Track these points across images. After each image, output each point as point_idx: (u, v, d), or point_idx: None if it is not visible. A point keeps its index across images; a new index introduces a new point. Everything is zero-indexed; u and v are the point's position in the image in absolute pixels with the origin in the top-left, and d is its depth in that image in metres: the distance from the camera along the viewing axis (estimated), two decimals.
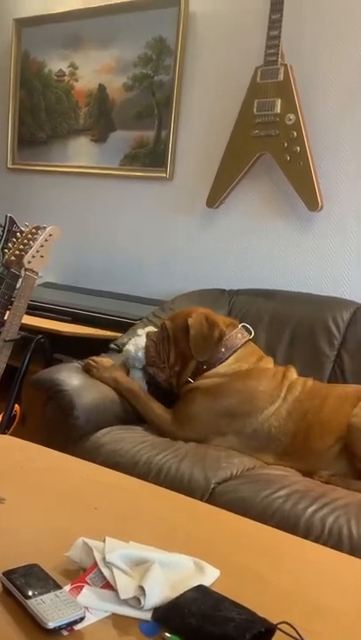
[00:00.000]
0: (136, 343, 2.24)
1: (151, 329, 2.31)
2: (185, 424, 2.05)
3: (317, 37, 2.49)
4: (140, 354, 2.21)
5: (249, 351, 2.16)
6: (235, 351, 2.13)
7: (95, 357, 2.23)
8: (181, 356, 2.16)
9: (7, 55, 3.39)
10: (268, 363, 2.17)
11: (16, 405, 2.36)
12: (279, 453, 1.97)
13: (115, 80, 3.04)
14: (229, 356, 2.12)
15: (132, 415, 2.15)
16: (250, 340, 2.20)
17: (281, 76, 2.44)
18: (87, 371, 2.19)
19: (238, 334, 2.16)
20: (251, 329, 2.23)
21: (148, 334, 2.24)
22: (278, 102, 2.45)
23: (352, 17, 2.41)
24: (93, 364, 2.19)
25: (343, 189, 2.48)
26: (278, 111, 2.45)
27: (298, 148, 2.43)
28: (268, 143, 2.50)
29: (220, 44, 2.73)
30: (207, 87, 2.78)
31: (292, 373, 2.13)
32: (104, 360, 2.22)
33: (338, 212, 2.50)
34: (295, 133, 2.43)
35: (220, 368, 2.11)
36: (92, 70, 3.12)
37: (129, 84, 2.99)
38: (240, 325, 2.21)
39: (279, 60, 2.44)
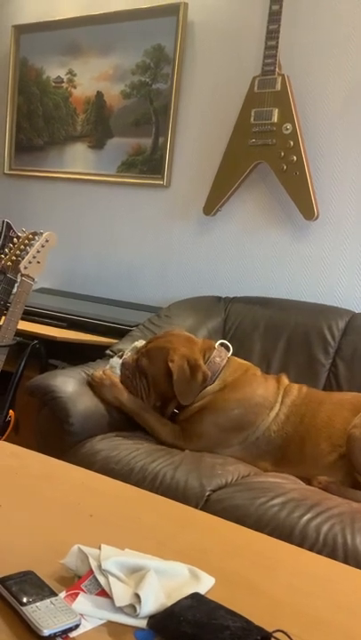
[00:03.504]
0: (111, 375, 2.16)
1: (140, 342, 2.25)
2: (194, 441, 2.03)
3: (314, 48, 2.51)
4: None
5: (232, 369, 2.12)
6: (217, 376, 2.09)
7: (95, 374, 2.15)
8: (162, 395, 2.10)
9: (5, 61, 3.40)
10: (255, 372, 2.15)
11: (10, 411, 2.35)
12: (278, 459, 1.97)
13: (113, 87, 3.05)
14: (214, 381, 2.08)
15: (126, 422, 2.14)
16: (231, 356, 2.17)
17: (278, 86, 2.46)
18: (90, 387, 2.14)
19: (217, 358, 2.11)
20: (229, 345, 2.20)
21: (123, 364, 2.15)
22: (275, 112, 2.47)
23: (349, 28, 2.43)
24: (93, 383, 2.13)
25: (339, 198, 2.50)
26: (275, 120, 2.47)
27: (294, 158, 2.44)
28: (264, 152, 2.51)
29: (218, 53, 2.75)
30: (205, 96, 2.80)
31: (285, 380, 2.13)
32: (104, 377, 2.13)
33: (334, 220, 2.52)
34: (292, 143, 2.44)
35: (207, 390, 2.08)
36: (91, 77, 3.13)
37: (127, 91, 3.00)
38: (218, 343, 2.18)
39: (276, 69, 2.46)
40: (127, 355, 2.21)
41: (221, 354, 2.14)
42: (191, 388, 2.05)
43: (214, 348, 2.15)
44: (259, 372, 2.16)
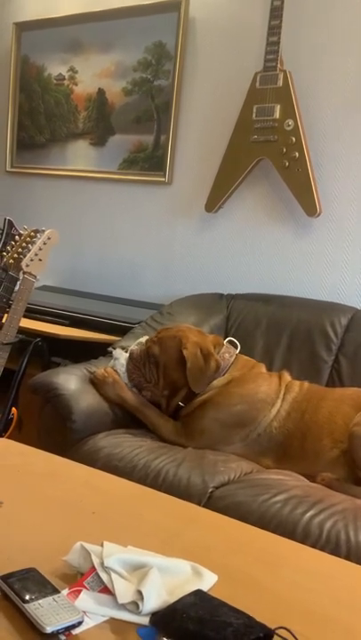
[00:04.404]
0: (116, 369, 2.16)
1: (144, 338, 2.24)
2: (196, 438, 2.03)
3: (316, 44, 2.50)
4: (125, 377, 2.15)
5: (240, 365, 2.14)
6: (226, 371, 2.11)
7: (97, 371, 2.15)
8: (172, 384, 2.11)
9: (7, 59, 3.40)
10: (261, 368, 2.17)
11: (13, 409, 2.35)
12: (280, 455, 1.97)
13: (114, 84, 3.05)
14: (222, 376, 2.10)
15: (129, 419, 2.14)
16: (238, 353, 2.18)
17: (280, 82, 2.46)
18: (93, 385, 2.15)
19: (226, 354, 2.14)
20: (237, 343, 2.22)
21: (130, 354, 2.17)
22: (277, 108, 2.46)
23: (351, 24, 2.42)
24: (95, 381, 2.13)
25: (342, 195, 2.49)
26: (277, 117, 2.46)
27: (296, 154, 2.44)
28: (266, 148, 2.51)
29: (219, 49, 2.74)
30: (206, 92, 2.79)
31: (287, 376, 2.14)
32: (106, 375, 2.13)
33: (336, 217, 2.51)
34: (294, 139, 2.44)
35: (214, 384, 2.09)
36: (92, 74, 3.12)
37: (128, 88, 3.00)
38: (226, 341, 2.20)
39: (278, 65, 2.45)
40: (133, 348, 2.21)
41: (230, 350, 2.16)
42: (204, 375, 2.07)
43: (223, 344, 2.18)
44: (264, 369, 2.17)
